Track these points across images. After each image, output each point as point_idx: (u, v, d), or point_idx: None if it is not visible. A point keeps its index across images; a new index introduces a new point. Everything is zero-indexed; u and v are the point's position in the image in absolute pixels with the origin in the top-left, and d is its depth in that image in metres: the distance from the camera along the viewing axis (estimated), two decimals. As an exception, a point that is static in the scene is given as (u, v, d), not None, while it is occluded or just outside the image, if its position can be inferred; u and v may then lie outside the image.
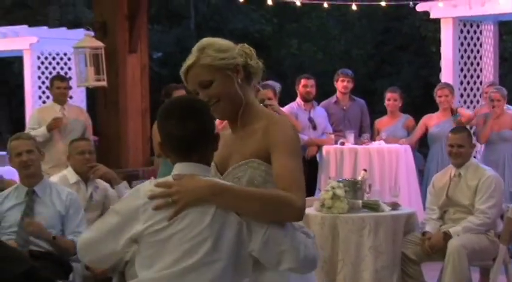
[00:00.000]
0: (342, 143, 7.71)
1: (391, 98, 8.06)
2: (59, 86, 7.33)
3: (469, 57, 8.67)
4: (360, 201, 5.33)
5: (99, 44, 7.31)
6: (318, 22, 18.63)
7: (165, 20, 18.60)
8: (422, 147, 8.42)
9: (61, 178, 5.23)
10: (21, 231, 4.57)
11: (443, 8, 8.48)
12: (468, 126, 7.30)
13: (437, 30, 9.12)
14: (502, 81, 9.92)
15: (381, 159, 7.51)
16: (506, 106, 7.60)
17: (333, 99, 8.32)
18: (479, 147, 7.88)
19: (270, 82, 8.36)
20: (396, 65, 18.55)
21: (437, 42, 9.22)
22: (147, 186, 2.43)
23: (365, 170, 5.79)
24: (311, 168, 7.59)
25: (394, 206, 5.46)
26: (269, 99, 6.49)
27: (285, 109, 7.75)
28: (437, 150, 7.57)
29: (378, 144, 7.69)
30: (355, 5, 10.73)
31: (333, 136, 7.89)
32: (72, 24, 14.34)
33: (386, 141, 7.74)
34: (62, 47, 10.15)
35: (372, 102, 11.39)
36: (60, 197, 4.70)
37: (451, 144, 5.48)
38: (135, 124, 7.73)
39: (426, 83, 16.52)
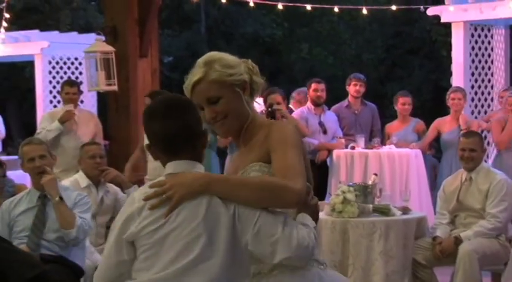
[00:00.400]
0: (352, 147, 7.70)
1: (406, 103, 8.03)
2: (67, 92, 7.35)
3: (480, 61, 8.64)
4: (371, 206, 5.32)
5: (110, 48, 7.34)
6: (329, 26, 18.64)
7: (176, 24, 18.64)
8: (438, 152, 8.37)
9: (72, 182, 5.25)
10: (32, 236, 4.59)
11: (454, 12, 8.46)
12: (479, 131, 7.26)
13: (448, 34, 9.09)
14: (514, 85, 9.87)
15: (391, 164, 7.49)
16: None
17: (344, 103, 8.31)
18: (491, 152, 7.84)
19: (300, 89, 8.38)
20: (407, 69, 18.53)
21: (448, 46, 9.20)
22: (141, 190, 2.45)
23: (375, 174, 5.79)
24: (321, 173, 7.58)
25: (405, 210, 5.45)
26: (278, 103, 6.49)
27: (295, 113, 7.76)
28: (450, 156, 7.54)
29: (388, 149, 7.68)
30: (366, 9, 10.73)
31: (343, 140, 7.88)
32: (83, 29, 14.43)
33: (397, 145, 7.73)
34: (73, 52, 10.19)
35: (383, 106, 11.37)
36: (71, 201, 4.71)
37: (462, 148, 5.47)
38: (146, 128, 7.74)
39: (436, 87, 16.50)
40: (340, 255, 5.18)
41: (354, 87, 8.23)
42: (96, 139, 7.13)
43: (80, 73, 10.20)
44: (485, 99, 8.74)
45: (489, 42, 8.71)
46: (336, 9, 10.88)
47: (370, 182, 5.58)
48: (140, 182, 5.82)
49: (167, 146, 2.43)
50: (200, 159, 2.48)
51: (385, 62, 18.95)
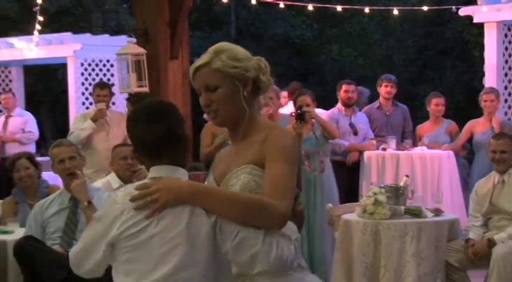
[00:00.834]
0: (384, 149, 7.66)
1: (439, 104, 7.97)
2: (98, 94, 7.43)
3: (513, 62, 8.55)
4: (402, 207, 5.28)
5: (141, 50, 7.38)
6: (359, 27, 18.55)
7: (206, 25, 18.70)
8: (471, 154, 8.28)
9: (104, 184, 5.29)
10: (65, 236, 4.63)
11: (486, 12, 8.37)
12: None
13: (481, 34, 9.00)
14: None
15: (423, 165, 7.44)
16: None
17: (375, 104, 8.27)
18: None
19: (360, 88, 8.29)
20: (438, 69, 18.38)
21: (481, 47, 9.11)
22: (126, 191, 2.46)
23: (407, 176, 5.74)
24: (352, 174, 7.55)
25: (437, 212, 5.41)
26: (307, 105, 6.46)
27: (326, 114, 7.72)
28: (482, 158, 7.46)
29: (420, 150, 7.62)
30: (397, 9, 10.67)
31: (374, 141, 7.84)
32: (115, 31, 14.54)
33: (429, 146, 7.67)
34: (104, 54, 10.28)
35: (414, 108, 11.28)
36: (101, 201, 4.74)
37: (493, 150, 5.43)
38: (177, 130, 7.77)
39: (469, 88, 16.34)
40: (372, 257, 5.16)
41: (385, 88, 8.19)
42: (128, 140, 7.17)
43: (112, 75, 10.28)
44: (519, 100, 8.65)
45: (523, 43, 8.61)
46: (367, 9, 10.83)
47: (401, 184, 5.54)
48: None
49: (151, 151, 2.47)
50: (183, 163, 2.51)
51: (416, 63, 18.81)
